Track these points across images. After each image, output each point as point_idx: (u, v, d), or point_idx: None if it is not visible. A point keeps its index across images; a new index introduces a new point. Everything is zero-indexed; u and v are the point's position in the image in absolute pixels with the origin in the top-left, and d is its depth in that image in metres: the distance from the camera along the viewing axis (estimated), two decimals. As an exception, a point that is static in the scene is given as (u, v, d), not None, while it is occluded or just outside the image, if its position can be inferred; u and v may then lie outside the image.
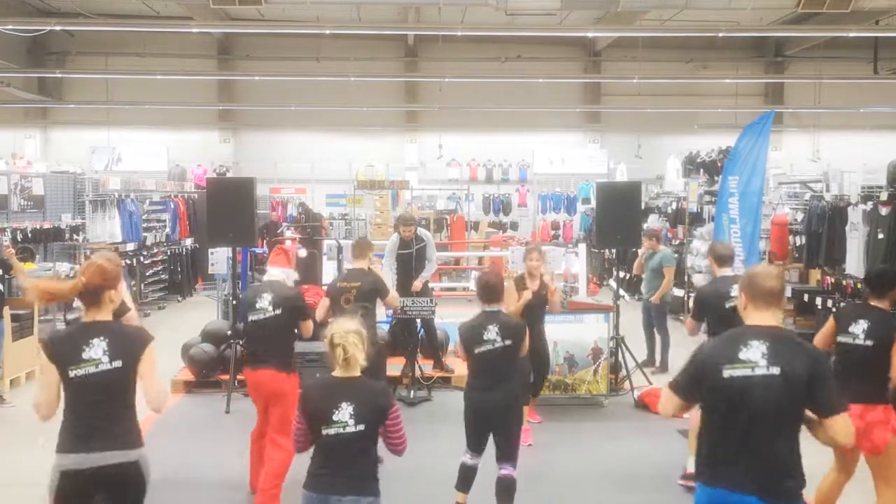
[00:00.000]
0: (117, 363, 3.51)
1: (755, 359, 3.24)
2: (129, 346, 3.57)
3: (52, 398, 3.56)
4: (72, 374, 3.52)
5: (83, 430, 3.52)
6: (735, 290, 5.81)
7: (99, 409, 3.53)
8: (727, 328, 3.58)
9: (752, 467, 3.22)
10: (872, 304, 4.75)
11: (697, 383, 3.38)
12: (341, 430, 3.55)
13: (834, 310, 8.54)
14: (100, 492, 3.55)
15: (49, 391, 3.55)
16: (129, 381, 3.57)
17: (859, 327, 4.63)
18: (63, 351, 3.56)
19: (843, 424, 3.17)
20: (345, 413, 3.56)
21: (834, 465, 4.86)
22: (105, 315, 3.64)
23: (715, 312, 5.65)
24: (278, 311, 5.58)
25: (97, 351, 3.52)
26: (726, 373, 3.27)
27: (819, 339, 4.96)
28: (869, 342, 4.58)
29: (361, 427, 3.56)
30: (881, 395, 4.56)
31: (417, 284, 8.46)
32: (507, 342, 5.02)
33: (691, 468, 5.85)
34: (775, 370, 3.20)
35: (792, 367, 3.20)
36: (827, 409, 3.18)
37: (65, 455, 3.52)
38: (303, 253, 9.33)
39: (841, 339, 4.74)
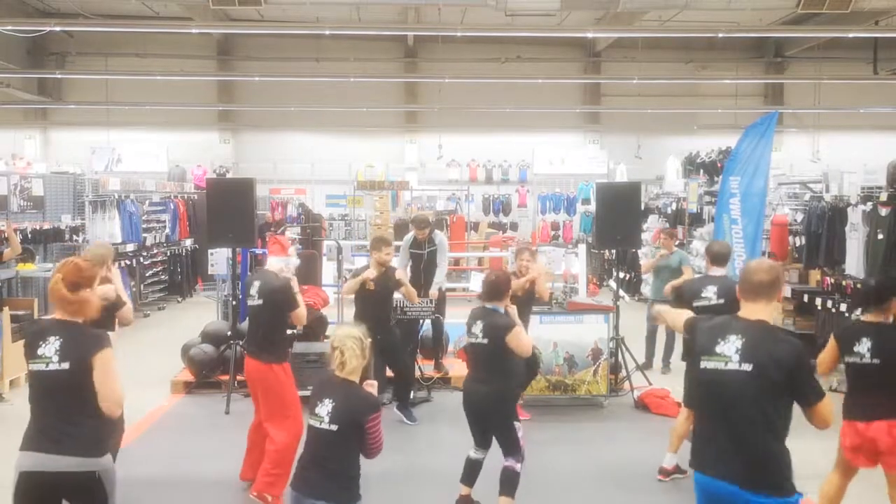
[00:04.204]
0: (65, 365, 3.43)
1: (729, 353, 3.35)
2: (79, 349, 3.45)
3: None
4: (29, 366, 3.54)
5: (40, 428, 3.48)
6: (707, 292, 5.98)
7: (52, 410, 3.46)
8: None
9: (729, 456, 3.30)
10: (871, 319, 4.68)
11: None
12: (317, 424, 3.67)
13: (833, 311, 8.57)
14: (59, 498, 3.49)
15: None
16: (80, 386, 3.42)
17: (864, 346, 4.58)
18: (27, 342, 3.59)
19: (822, 408, 3.30)
20: (324, 409, 3.66)
21: (836, 465, 4.84)
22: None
23: (685, 307, 5.69)
24: (261, 301, 5.62)
25: (50, 349, 3.46)
26: (703, 364, 3.44)
27: (823, 362, 4.90)
28: (876, 360, 4.53)
29: (335, 427, 3.62)
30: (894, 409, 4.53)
31: (433, 292, 8.44)
32: (485, 341, 5.07)
33: (667, 464, 5.94)
34: (747, 366, 3.29)
35: (768, 363, 3.26)
36: (809, 400, 3.29)
37: (24, 454, 3.46)
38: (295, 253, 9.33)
39: (848, 359, 4.68)
